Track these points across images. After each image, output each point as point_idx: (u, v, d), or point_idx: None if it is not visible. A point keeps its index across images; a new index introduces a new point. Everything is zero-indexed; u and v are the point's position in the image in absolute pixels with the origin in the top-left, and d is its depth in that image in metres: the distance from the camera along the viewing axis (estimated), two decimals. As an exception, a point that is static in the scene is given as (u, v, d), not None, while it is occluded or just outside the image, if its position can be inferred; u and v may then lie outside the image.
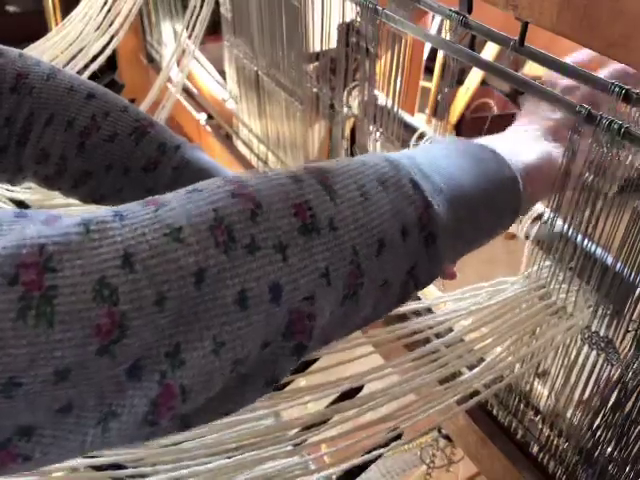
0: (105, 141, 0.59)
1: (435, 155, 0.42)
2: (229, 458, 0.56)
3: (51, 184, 0.62)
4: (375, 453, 0.63)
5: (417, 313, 0.68)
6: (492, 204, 0.43)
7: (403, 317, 0.68)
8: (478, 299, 0.62)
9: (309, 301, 0.33)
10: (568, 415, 0.59)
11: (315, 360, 0.66)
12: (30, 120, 0.57)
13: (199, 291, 0.29)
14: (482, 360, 0.60)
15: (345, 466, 0.65)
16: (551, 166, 0.49)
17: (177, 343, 0.29)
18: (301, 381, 0.60)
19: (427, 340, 0.64)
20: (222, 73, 1.22)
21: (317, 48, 0.82)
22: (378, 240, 0.35)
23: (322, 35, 0.80)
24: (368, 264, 0.35)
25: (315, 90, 0.85)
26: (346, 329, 0.38)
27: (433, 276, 0.40)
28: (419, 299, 0.71)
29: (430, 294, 0.73)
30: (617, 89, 0.45)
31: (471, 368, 0.59)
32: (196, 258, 0.29)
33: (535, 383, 0.62)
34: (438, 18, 0.61)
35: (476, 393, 0.61)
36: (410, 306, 0.67)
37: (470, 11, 0.56)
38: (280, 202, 0.33)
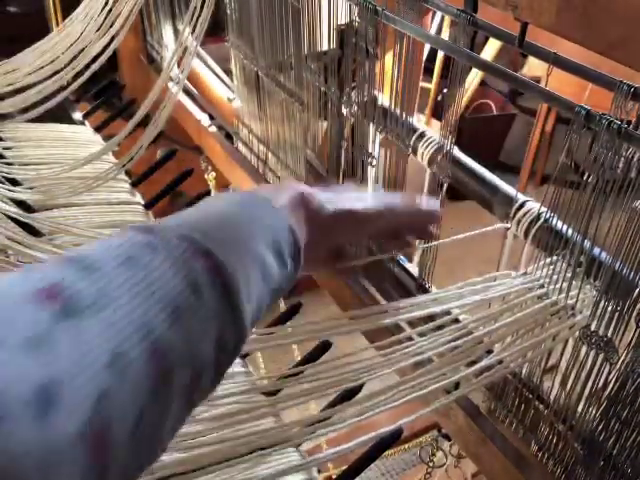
0: None
1: (191, 211, 0.38)
2: (228, 460, 0.56)
3: None
4: (375, 453, 0.63)
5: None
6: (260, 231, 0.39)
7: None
8: (475, 297, 0.63)
9: (101, 404, 0.26)
10: (568, 414, 0.59)
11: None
12: None
13: None
14: (480, 358, 0.60)
15: (345, 466, 0.66)
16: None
17: None
18: (303, 384, 0.60)
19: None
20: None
21: (317, 49, 0.83)
22: (169, 304, 0.30)
23: (322, 35, 0.80)
24: (167, 335, 0.29)
25: (316, 90, 0.85)
26: (160, 436, 0.31)
27: (241, 340, 0.35)
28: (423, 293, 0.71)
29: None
30: (625, 87, 0.45)
31: (468, 366, 0.59)
32: None
33: (536, 382, 0.62)
34: (437, 19, 0.61)
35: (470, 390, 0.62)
36: (407, 301, 0.67)
37: (475, 10, 0.57)
38: (17, 294, 0.26)
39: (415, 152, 0.73)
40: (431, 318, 0.65)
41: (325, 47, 0.81)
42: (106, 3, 1.07)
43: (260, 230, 0.38)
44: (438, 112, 2.71)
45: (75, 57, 1.09)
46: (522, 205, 0.63)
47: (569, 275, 0.56)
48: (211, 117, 1.20)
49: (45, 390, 0.24)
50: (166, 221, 0.36)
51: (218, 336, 0.33)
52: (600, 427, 0.55)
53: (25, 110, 1.10)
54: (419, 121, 0.78)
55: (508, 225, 0.64)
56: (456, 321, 0.64)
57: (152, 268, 0.31)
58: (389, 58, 0.70)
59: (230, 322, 0.34)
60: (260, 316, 0.39)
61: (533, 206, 0.62)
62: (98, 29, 1.08)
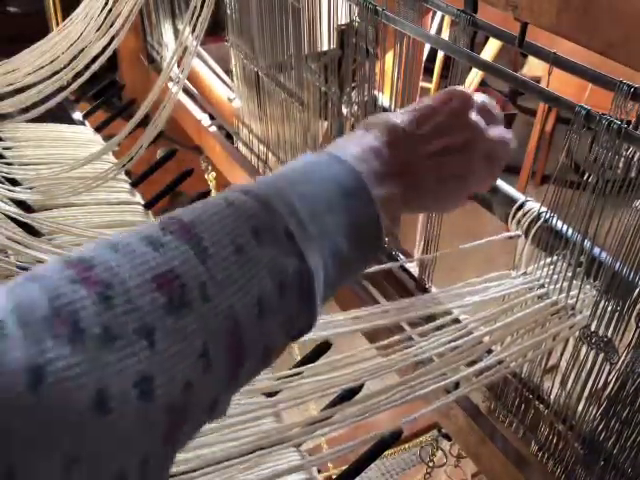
0: None
1: (305, 193, 0.37)
2: (229, 460, 0.56)
3: None
4: (375, 452, 0.63)
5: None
6: (356, 242, 0.38)
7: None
8: (475, 297, 0.63)
9: (188, 391, 0.29)
10: (568, 414, 0.59)
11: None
12: None
13: (36, 395, 0.24)
14: (480, 358, 0.60)
15: (345, 466, 0.66)
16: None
17: (10, 466, 0.23)
18: (303, 385, 0.60)
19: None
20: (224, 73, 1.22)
21: (317, 49, 0.82)
22: (258, 301, 0.32)
23: (322, 35, 0.80)
24: (250, 332, 0.32)
25: (316, 90, 0.85)
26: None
27: (309, 327, 0.37)
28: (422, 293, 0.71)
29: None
30: (625, 87, 0.45)
31: (468, 365, 0.59)
32: (26, 353, 0.24)
33: (536, 382, 0.62)
34: (437, 19, 0.61)
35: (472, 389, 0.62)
36: (407, 301, 0.67)
37: (475, 10, 0.57)
38: (138, 277, 0.28)
39: (415, 152, 0.73)
40: (431, 318, 0.65)
41: (325, 47, 0.81)
42: (106, 3, 1.07)
43: (346, 225, 0.37)
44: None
45: (75, 57, 1.09)
46: (522, 205, 0.63)
47: (569, 275, 0.56)
48: (211, 117, 1.20)
49: (142, 383, 0.27)
50: (280, 191, 0.35)
51: (290, 327, 0.35)
52: (600, 427, 0.55)
53: (25, 110, 1.10)
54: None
55: (519, 232, 0.63)
56: (456, 321, 0.64)
57: (256, 259, 0.32)
58: (389, 58, 0.70)
59: (304, 316, 0.36)
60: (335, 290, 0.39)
61: (533, 206, 0.62)
62: (98, 29, 1.08)
